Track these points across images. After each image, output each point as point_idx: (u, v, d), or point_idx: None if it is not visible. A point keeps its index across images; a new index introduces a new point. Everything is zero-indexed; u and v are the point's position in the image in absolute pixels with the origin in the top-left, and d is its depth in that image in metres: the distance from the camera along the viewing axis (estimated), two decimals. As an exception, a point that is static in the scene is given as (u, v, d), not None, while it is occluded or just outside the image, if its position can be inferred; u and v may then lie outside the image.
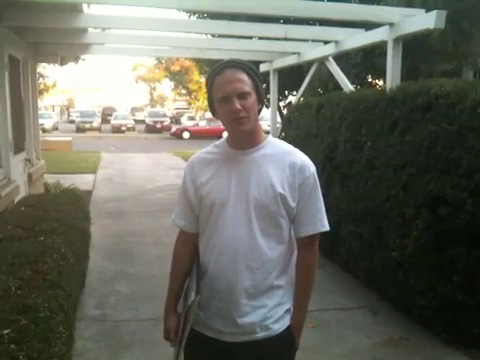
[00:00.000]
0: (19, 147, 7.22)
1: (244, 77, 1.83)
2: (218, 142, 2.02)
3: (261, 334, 1.90)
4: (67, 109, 55.66)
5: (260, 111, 1.93)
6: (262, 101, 1.92)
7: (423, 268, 4.10)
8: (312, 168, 1.94)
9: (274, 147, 1.95)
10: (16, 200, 5.93)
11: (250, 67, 1.88)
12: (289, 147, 1.99)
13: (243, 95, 1.81)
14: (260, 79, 1.90)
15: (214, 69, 1.89)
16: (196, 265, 2.00)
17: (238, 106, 1.79)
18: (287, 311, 1.97)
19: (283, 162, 1.90)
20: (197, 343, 1.98)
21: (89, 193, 10.05)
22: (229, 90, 1.80)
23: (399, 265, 4.39)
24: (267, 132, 8.99)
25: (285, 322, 1.95)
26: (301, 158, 1.94)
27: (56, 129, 35.70)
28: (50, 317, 2.64)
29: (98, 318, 4.40)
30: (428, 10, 5.29)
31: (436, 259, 3.95)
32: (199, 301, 1.87)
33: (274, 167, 1.89)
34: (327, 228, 1.96)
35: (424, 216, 4.07)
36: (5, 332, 2.35)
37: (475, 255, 3.69)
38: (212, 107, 1.93)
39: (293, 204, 1.89)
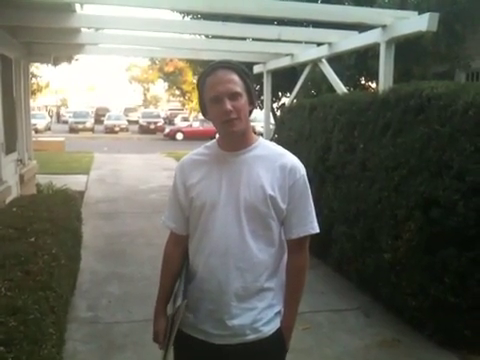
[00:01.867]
0: (11, 147, 7.18)
1: (235, 78, 1.83)
2: (209, 143, 2.02)
3: (251, 336, 1.90)
4: (57, 111, 54.16)
5: (251, 113, 1.92)
6: (253, 103, 1.91)
7: (415, 270, 4.11)
8: (302, 170, 1.94)
9: (265, 149, 1.94)
10: (7, 201, 5.89)
11: (242, 68, 1.87)
12: (280, 149, 1.98)
13: (234, 96, 1.81)
14: (252, 81, 1.90)
15: (206, 69, 1.89)
16: (185, 268, 1.99)
17: (229, 107, 1.79)
18: (277, 313, 1.96)
19: (274, 164, 1.89)
20: (187, 346, 1.97)
21: (81, 194, 10.02)
22: (220, 90, 1.80)
23: (391, 267, 4.39)
24: (260, 134, 9.02)
25: (275, 324, 1.95)
26: (292, 160, 1.93)
27: (49, 129, 35.56)
28: (40, 319, 2.62)
29: (89, 320, 4.37)
30: (421, 12, 5.32)
31: (428, 261, 3.96)
32: (186, 305, 1.87)
33: (265, 169, 1.88)
34: (317, 230, 1.96)
35: (416, 218, 4.08)
36: (-6, 334, 2.33)
37: (467, 257, 3.69)
38: (203, 107, 1.92)
39: (283, 206, 1.88)
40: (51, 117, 45.84)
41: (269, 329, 1.92)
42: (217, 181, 1.89)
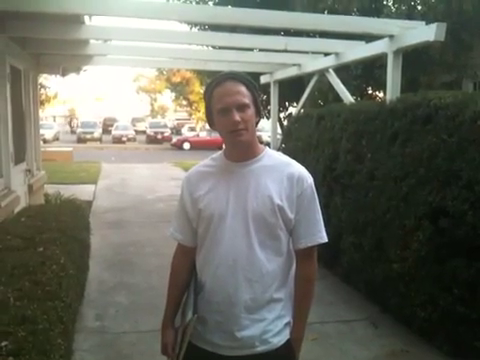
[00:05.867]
0: (20, 157, 7.22)
1: (243, 89, 1.84)
2: (215, 155, 2.02)
3: (260, 348, 1.88)
4: (70, 121, 53.67)
5: (257, 124, 1.93)
6: (260, 114, 1.92)
7: (424, 280, 4.08)
8: (310, 179, 1.94)
9: (272, 159, 1.95)
10: (16, 210, 5.92)
11: (249, 80, 1.89)
12: (286, 159, 1.99)
13: (242, 107, 1.82)
14: (258, 92, 1.91)
15: (213, 81, 1.89)
16: (194, 281, 1.98)
17: (237, 118, 1.80)
18: (287, 324, 1.95)
19: (281, 173, 1.90)
20: (195, 357, 1.96)
21: (89, 203, 10.06)
22: (229, 102, 1.81)
23: (400, 277, 4.37)
24: (267, 143, 9.02)
25: (285, 335, 1.93)
26: (299, 169, 1.93)
27: (57, 139, 35.76)
28: (49, 329, 2.62)
29: (97, 330, 4.37)
30: (428, 22, 5.33)
31: (437, 271, 3.94)
32: (196, 319, 1.86)
33: (272, 179, 1.89)
34: (325, 240, 1.95)
35: (425, 228, 4.06)
36: (3, 344, 2.33)
37: (476, 267, 3.66)
38: (210, 118, 1.93)
39: (291, 216, 1.88)
40: (72, 127, 45.68)
41: (278, 340, 1.91)
42: (225, 192, 1.90)
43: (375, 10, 8.55)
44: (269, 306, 1.89)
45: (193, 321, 1.85)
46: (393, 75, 5.71)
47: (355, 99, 7.84)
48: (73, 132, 42.38)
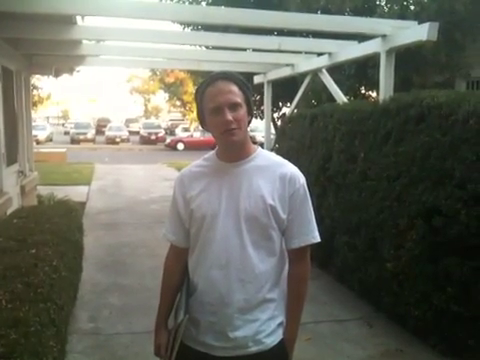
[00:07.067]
0: (12, 159, 7.19)
1: (235, 89, 1.83)
2: (207, 155, 2.01)
3: (254, 348, 1.88)
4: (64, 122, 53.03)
5: (249, 123, 1.93)
6: (252, 113, 1.92)
7: (418, 279, 4.09)
8: (302, 179, 1.93)
9: (264, 159, 1.94)
10: (8, 212, 5.89)
11: (241, 79, 1.88)
12: (279, 159, 1.98)
13: (234, 106, 1.81)
14: (250, 92, 1.91)
15: (205, 81, 1.89)
16: (186, 282, 1.98)
17: (230, 117, 1.79)
18: (280, 324, 1.95)
19: (273, 174, 1.89)
20: (188, 358, 1.95)
21: (83, 204, 10.01)
22: (221, 101, 1.80)
23: (394, 276, 4.37)
24: (261, 143, 9.00)
25: (278, 336, 1.93)
26: (291, 169, 1.93)
27: (50, 140, 35.63)
28: (41, 331, 2.60)
29: (91, 331, 4.35)
30: (421, 22, 5.34)
31: (431, 270, 3.94)
32: (187, 320, 1.85)
33: (264, 179, 1.88)
34: (318, 240, 1.95)
35: (418, 227, 4.07)
36: (-5, 347, 2.31)
37: (469, 266, 3.67)
38: (202, 118, 1.92)
39: (284, 216, 1.88)
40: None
41: (271, 341, 1.90)
42: (217, 192, 1.89)
43: (368, 10, 8.56)
44: (262, 306, 1.89)
45: (184, 322, 1.84)
46: (386, 75, 5.73)
47: (348, 99, 7.84)
48: (67, 133, 42.25)
